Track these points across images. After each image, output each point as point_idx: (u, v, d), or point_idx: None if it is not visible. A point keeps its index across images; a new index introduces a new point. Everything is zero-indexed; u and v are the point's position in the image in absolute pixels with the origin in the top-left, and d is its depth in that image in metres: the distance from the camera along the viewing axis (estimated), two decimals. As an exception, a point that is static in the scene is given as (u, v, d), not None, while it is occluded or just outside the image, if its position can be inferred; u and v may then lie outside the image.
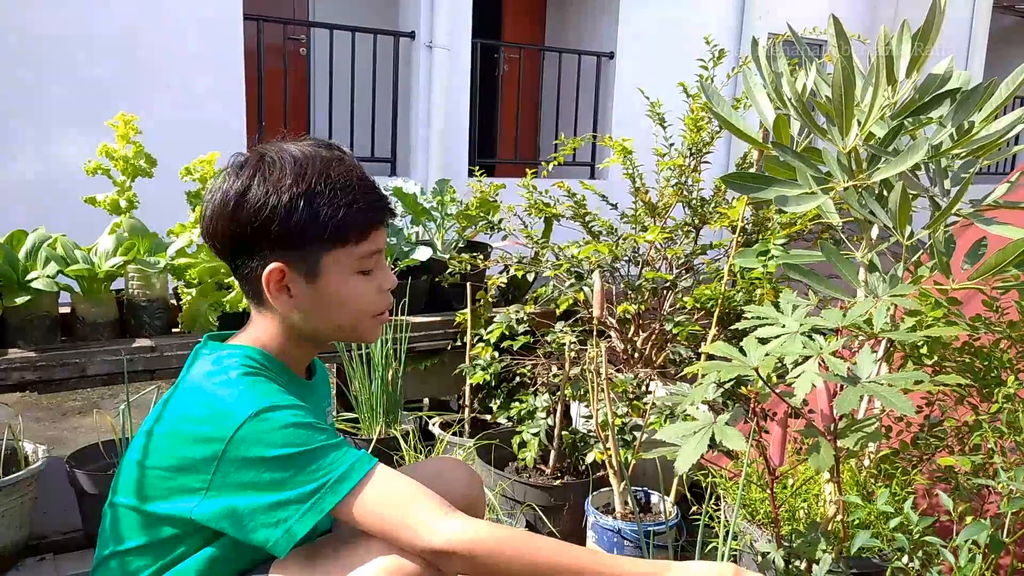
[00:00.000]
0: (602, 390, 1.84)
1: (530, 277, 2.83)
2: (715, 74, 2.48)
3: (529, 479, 2.14)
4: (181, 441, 1.02)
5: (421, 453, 2.30)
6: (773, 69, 1.37)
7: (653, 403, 1.96)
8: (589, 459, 2.10)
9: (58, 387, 2.13)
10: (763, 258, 1.71)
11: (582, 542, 1.91)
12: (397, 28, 5.91)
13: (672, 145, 2.56)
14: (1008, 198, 1.37)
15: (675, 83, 2.60)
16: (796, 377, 1.10)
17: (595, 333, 1.95)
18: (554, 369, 2.35)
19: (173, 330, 2.34)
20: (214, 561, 1.06)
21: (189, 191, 2.40)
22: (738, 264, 1.93)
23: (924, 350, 1.49)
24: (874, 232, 1.41)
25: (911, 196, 1.25)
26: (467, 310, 2.55)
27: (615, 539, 1.82)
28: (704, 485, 1.81)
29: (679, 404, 1.35)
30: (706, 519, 1.61)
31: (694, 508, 1.88)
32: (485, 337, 2.51)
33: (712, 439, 1.17)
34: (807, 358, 1.12)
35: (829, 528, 1.34)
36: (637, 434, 1.99)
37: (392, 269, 2.59)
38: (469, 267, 2.69)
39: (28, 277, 2.07)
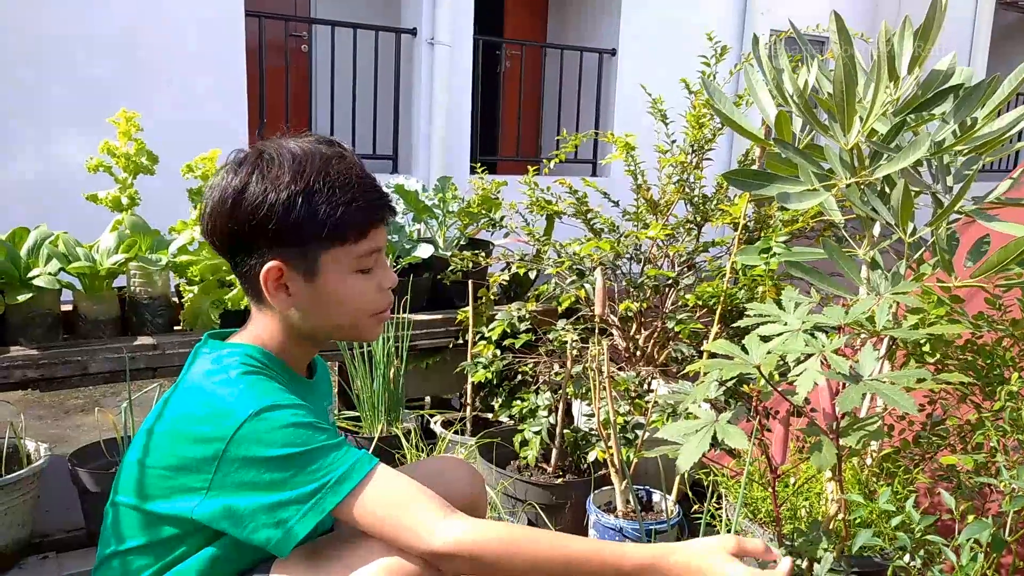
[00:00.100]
0: (604, 388, 1.84)
1: (532, 275, 2.83)
2: (717, 71, 2.48)
3: (531, 477, 2.14)
4: (181, 440, 1.02)
5: (423, 451, 2.30)
6: (775, 65, 1.37)
7: (655, 401, 1.96)
8: (591, 457, 2.10)
9: (60, 385, 2.13)
10: (765, 255, 1.70)
11: (584, 540, 1.90)
12: (399, 25, 5.91)
13: (674, 142, 2.55)
14: (1011, 195, 1.36)
15: (677, 80, 2.59)
16: (798, 375, 1.09)
17: (597, 331, 1.95)
18: (556, 367, 2.35)
19: (175, 328, 2.34)
20: (215, 561, 1.06)
21: (191, 188, 2.40)
22: (740, 261, 1.93)
23: (927, 348, 1.48)
24: (876, 229, 1.41)
25: (913, 193, 1.24)
26: (469, 308, 2.55)
27: (617, 538, 1.82)
28: (706, 484, 1.81)
29: (681, 402, 1.34)
30: (708, 518, 1.61)
31: (696, 507, 1.88)
32: (487, 335, 2.51)
33: (714, 437, 1.17)
34: (809, 356, 1.12)
35: (831, 527, 1.34)
36: (639, 432, 1.99)
37: (394, 267, 2.60)
38: (471, 265, 2.69)
39: (30, 275, 2.07)
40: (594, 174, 6.59)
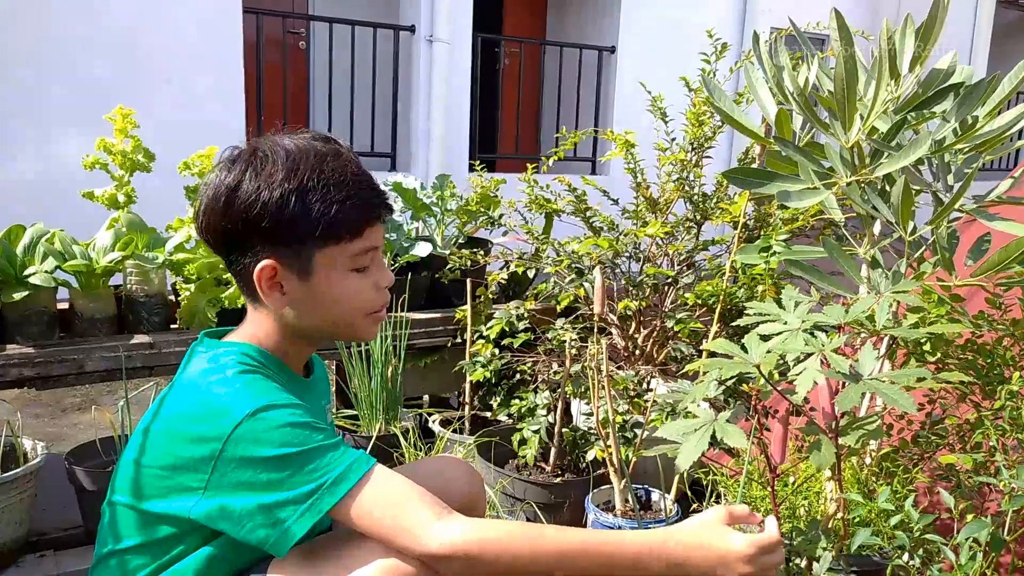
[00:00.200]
0: (603, 387, 1.83)
1: (531, 273, 2.82)
2: (717, 68, 2.47)
3: (529, 477, 2.14)
4: (178, 440, 1.02)
5: (421, 450, 2.30)
6: (775, 63, 1.36)
7: (654, 400, 1.95)
8: (590, 456, 2.10)
9: (56, 383, 2.13)
10: (765, 254, 1.70)
11: (582, 539, 1.90)
12: (397, 22, 5.90)
13: (674, 140, 2.55)
14: (1012, 194, 1.36)
15: (676, 78, 2.58)
16: (798, 374, 1.09)
17: (596, 330, 1.95)
18: (555, 366, 2.34)
19: (171, 326, 2.34)
20: (212, 560, 1.06)
21: (188, 186, 2.39)
22: (740, 260, 1.92)
23: (927, 347, 1.48)
24: (876, 228, 1.40)
25: (914, 191, 1.24)
26: (467, 306, 2.55)
27: (615, 536, 1.81)
28: (705, 483, 1.81)
29: (680, 401, 1.34)
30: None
31: (695, 506, 1.88)
32: (485, 334, 2.50)
33: (713, 437, 1.16)
34: (809, 355, 1.11)
35: (830, 526, 1.34)
36: (638, 431, 1.99)
37: (392, 265, 2.60)
38: (469, 263, 2.68)
39: (26, 272, 2.07)
40: (593, 172, 6.59)
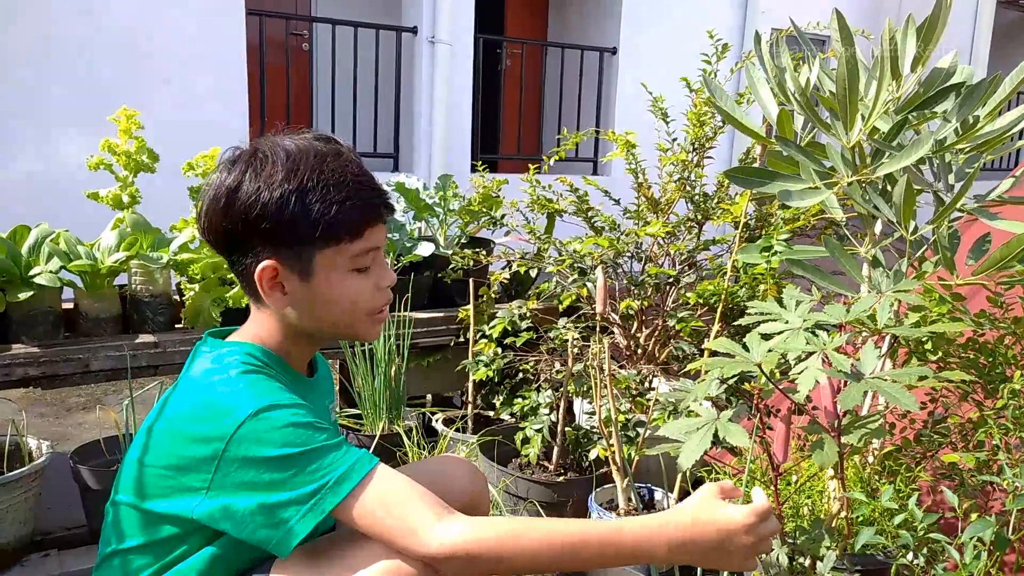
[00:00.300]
0: (605, 386, 1.84)
1: (533, 273, 2.83)
2: (718, 69, 2.48)
3: (532, 475, 2.14)
4: (181, 440, 1.02)
5: (424, 449, 2.30)
6: (776, 63, 1.37)
7: (656, 399, 1.96)
8: (592, 455, 2.10)
9: (62, 383, 2.14)
10: (766, 254, 1.70)
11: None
12: (400, 23, 5.91)
13: (675, 140, 2.55)
14: (1012, 193, 1.36)
15: (678, 79, 2.59)
16: (799, 373, 1.09)
17: (598, 329, 1.95)
18: (557, 365, 2.35)
19: (176, 326, 2.35)
20: (215, 560, 1.06)
21: (192, 186, 2.40)
22: (741, 260, 1.92)
23: (928, 346, 1.48)
24: (878, 227, 1.40)
25: (915, 191, 1.24)
26: (470, 306, 2.55)
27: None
28: (707, 481, 1.81)
29: (682, 400, 1.34)
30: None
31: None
32: (488, 333, 2.51)
33: (715, 435, 1.17)
34: (810, 354, 1.12)
35: (833, 525, 1.34)
36: (640, 430, 1.99)
37: (395, 265, 2.60)
38: (472, 263, 2.69)
39: (31, 272, 2.07)
40: (595, 172, 6.59)
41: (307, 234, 1.06)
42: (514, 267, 2.67)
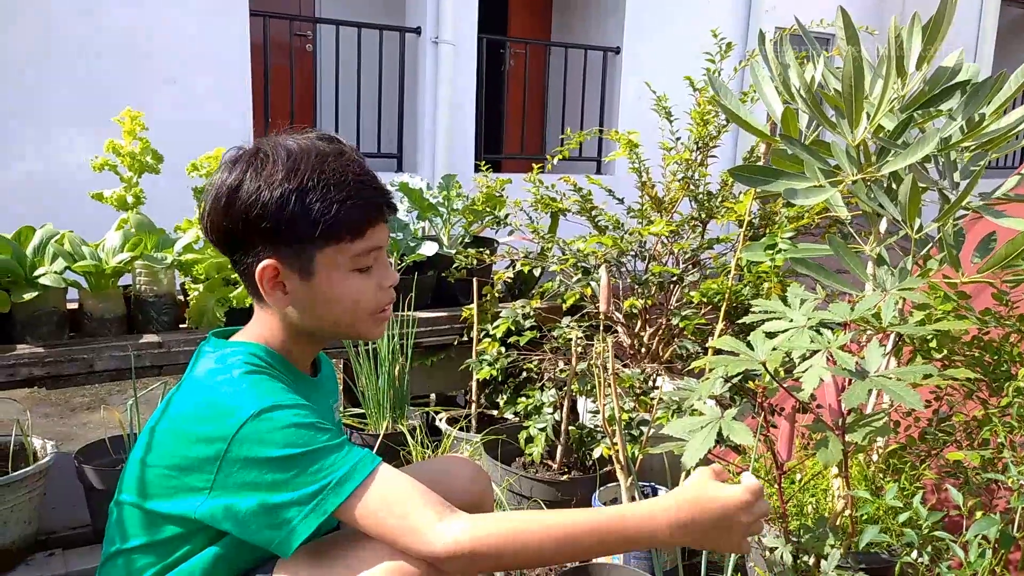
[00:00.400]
0: (609, 385, 1.84)
1: (536, 272, 2.83)
2: (721, 68, 2.47)
3: (536, 474, 2.14)
4: (184, 440, 1.02)
5: (428, 448, 2.30)
6: (781, 62, 1.37)
7: (660, 398, 1.95)
8: (596, 454, 2.10)
9: (66, 383, 2.14)
10: (770, 252, 1.70)
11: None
12: (403, 24, 5.91)
13: (679, 139, 2.55)
14: (1018, 191, 1.36)
15: (681, 78, 2.59)
16: (804, 371, 1.09)
17: (602, 328, 1.95)
18: (561, 364, 2.35)
19: (180, 326, 2.35)
20: (218, 560, 1.06)
21: (196, 187, 2.40)
22: (745, 258, 1.92)
23: (933, 344, 1.48)
24: (883, 226, 1.40)
25: (920, 189, 1.24)
26: (473, 305, 2.55)
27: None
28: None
29: (686, 399, 1.34)
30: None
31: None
32: (491, 332, 2.51)
33: (719, 434, 1.17)
34: (815, 352, 1.12)
35: (837, 523, 1.34)
36: (644, 429, 1.99)
37: (398, 264, 2.60)
38: (475, 262, 2.69)
39: (36, 273, 2.08)
40: (599, 172, 6.59)
41: (307, 233, 1.05)
42: (518, 266, 2.67)
